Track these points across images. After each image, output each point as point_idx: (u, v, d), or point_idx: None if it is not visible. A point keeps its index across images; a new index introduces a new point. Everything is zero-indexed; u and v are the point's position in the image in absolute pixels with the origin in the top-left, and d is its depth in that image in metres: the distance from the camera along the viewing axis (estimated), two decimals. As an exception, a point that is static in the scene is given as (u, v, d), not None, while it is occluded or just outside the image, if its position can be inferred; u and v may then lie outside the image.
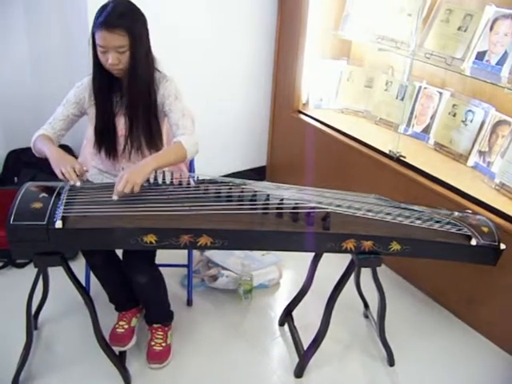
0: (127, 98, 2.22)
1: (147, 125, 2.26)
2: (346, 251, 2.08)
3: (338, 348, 2.58)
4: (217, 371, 2.42)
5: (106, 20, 2.03)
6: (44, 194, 2.02)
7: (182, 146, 2.14)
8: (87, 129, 2.45)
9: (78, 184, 2.03)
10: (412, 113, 3.31)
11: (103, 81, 2.19)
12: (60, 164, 2.04)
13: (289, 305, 2.67)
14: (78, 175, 2.04)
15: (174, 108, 2.24)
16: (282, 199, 2.11)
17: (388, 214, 2.19)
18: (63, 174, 2.02)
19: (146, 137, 2.28)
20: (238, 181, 2.29)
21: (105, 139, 2.28)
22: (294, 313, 2.67)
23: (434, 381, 2.45)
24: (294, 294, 2.64)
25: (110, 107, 2.24)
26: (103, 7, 2.07)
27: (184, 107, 2.27)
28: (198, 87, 3.45)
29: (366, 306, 2.78)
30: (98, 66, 2.15)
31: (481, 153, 2.89)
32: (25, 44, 3.31)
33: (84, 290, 2.14)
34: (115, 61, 2.09)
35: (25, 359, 2.22)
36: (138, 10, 2.15)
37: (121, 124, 2.28)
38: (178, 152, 2.14)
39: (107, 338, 2.32)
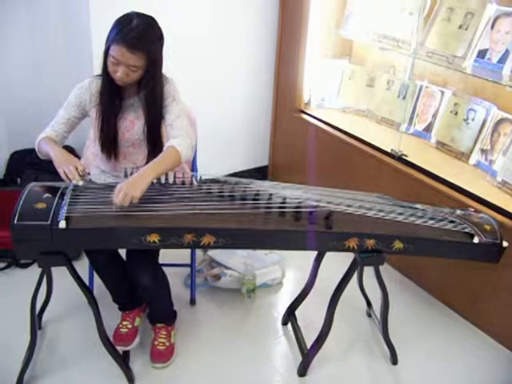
0: (146, 115, 2.25)
1: (158, 131, 2.30)
2: (348, 250, 2.09)
3: (341, 347, 2.58)
4: (220, 370, 2.42)
5: (129, 38, 2.03)
6: (48, 195, 2.03)
7: (176, 151, 2.14)
8: (90, 130, 2.46)
9: (81, 183, 2.05)
10: (414, 111, 3.31)
11: (110, 85, 2.19)
12: (63, 164, 2.06)
13: (292, 304, 2.67)
14: (80, 175, 2.05)
15: (170, 109, 2.25)
16: (284, 198, 2.12)
17: (390, 212, 2.20)
18: (66, 174, 2.03)
19: (152, 143, 2.32)
20: (240, 180, 2.30)
21: (107, 141, 2.29)
22: (297, 312, 2.67)
23: (437, 379, 2.45)
24: (297, 292, 2.65)
25: (113, 110, 2.25)
26: (126, 21, 2.07)
27: (181, 109, 2.27)
28: (200, 88, 3.45)
29: (369, 304, 2.78)
30: (105, 71, 2.16)
31: (483, 151, 2.89)
32: (28, 46, 3.32)
33: (88, 290, 2.15)
34: (123, 75, 2.10)
35: (29, 359, 2.23)
36: (159, 27, 2.16)
37: (122, 127, 2.29)
38: (173, 158, 2.14)
39: (111, 337, 2.33)
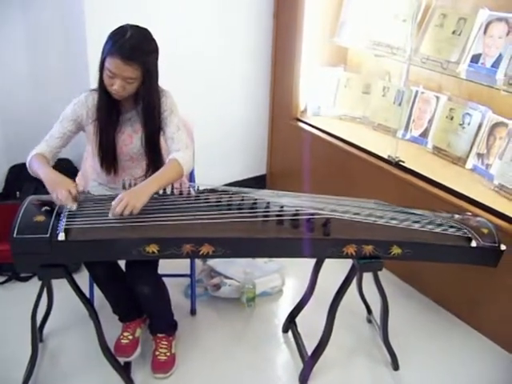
0: (144, 129, 2.26)
1: (156, 144, 2.32)
2: (346, 256, 2.09)
3: (342, 353, 2.58)
4: (222, 379, 2.42)
5: (123, 50, 2.03)
6: (46, 208, 2.04)
7: (179, 164, 2.16)
8: (87, 143, 2.47)
9: (74, 208, 2.02)
10: (410, 117, 3.32)
11: (107, 99, 2.20)
12: (56, 188, 2.03)
13: (292, 311, 2.68)
14: (74, 199, 2.03)
15: (169, 122, 2.26)
16: (282, 206, 2.13)
17: (388, 218, 2.20)
18: (60, 199, 2.01)
19: (152, 155, 2.33)
20: (238, 189, 2.31)
21: (106, 156, 2.29)
22: (298, 319, 2.68)
23: (438, 383, 2.45)
24: (297, 300, 2.65)
25: (111, 125, 2.26)
26: (120, 33, 2.08)
27: (179, 121, 2.29)
28: (196, 97, 3.47)
29: (369, 310, 2.79)
30: (102, 85, 2.16)
31: (479, 155, 2.90)
32: (24, 61, 3.33)
33: (88, 302, 2.16)
34: (120, 88, 2.10)
35: (31, 372, 2.24)
36: (154, 40, 2.17)
37: (120, 141, 2.30)
38: (176, 171, 2.16)
39: (112, 349, 2.33)
